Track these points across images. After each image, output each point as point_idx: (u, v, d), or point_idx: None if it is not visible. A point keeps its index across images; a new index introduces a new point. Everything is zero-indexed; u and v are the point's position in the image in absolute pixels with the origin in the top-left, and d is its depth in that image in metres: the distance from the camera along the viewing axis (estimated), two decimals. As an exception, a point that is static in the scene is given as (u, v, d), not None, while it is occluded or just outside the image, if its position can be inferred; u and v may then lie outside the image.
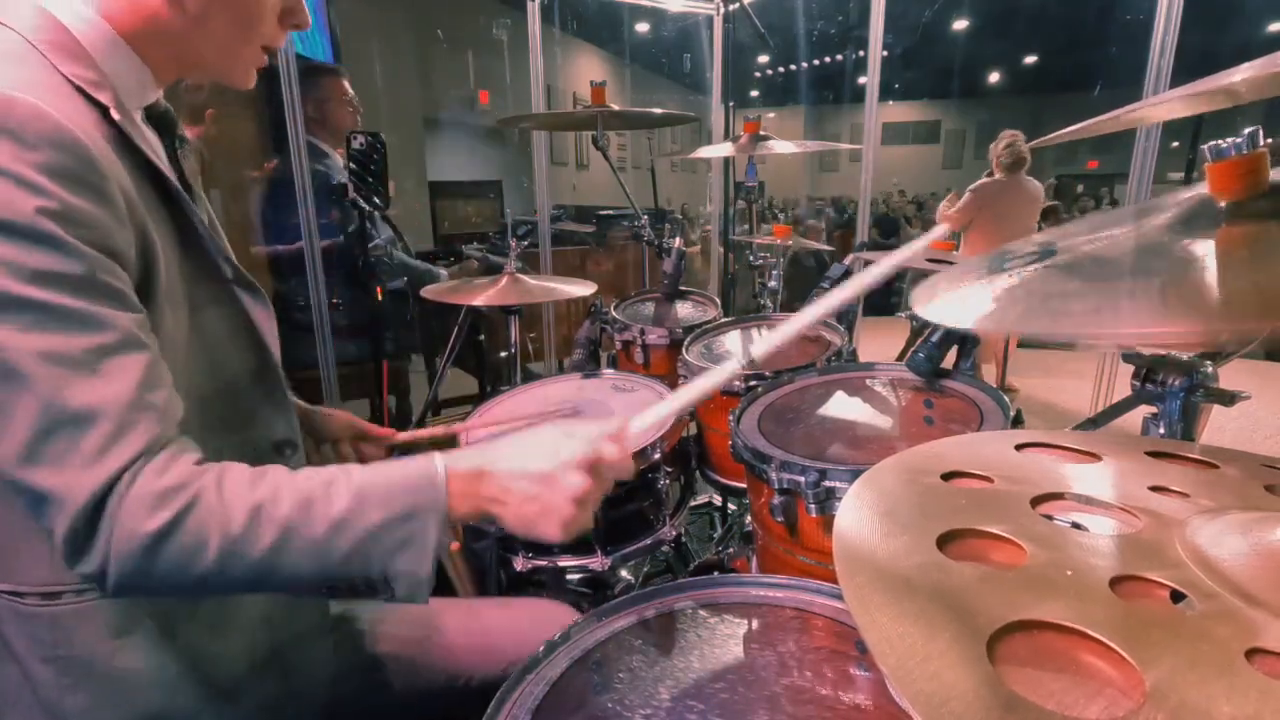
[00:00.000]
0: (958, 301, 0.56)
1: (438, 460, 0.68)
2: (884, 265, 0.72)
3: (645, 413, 0.75)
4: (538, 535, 0.68)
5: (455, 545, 1.17)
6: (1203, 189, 0.58)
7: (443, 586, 1.15)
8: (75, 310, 0.59)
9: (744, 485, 1.26)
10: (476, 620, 1.00)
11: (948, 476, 0.55)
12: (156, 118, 0.79)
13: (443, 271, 2.94)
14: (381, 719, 0.95)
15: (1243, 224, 0.52)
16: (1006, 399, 1.08)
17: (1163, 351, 0.79)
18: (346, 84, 2.60)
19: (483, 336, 2.88)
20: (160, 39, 0.72)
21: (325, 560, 0.62)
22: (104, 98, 0.67)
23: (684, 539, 1.81)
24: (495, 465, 0.68)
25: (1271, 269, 0.45)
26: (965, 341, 1.20)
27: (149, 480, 0.59)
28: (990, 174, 3.99)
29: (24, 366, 0.57)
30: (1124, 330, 0.47)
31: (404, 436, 1.20)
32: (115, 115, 0.67)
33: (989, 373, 3.62)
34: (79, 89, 0.65)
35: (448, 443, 1.21)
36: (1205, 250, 0.49)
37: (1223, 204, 0.54)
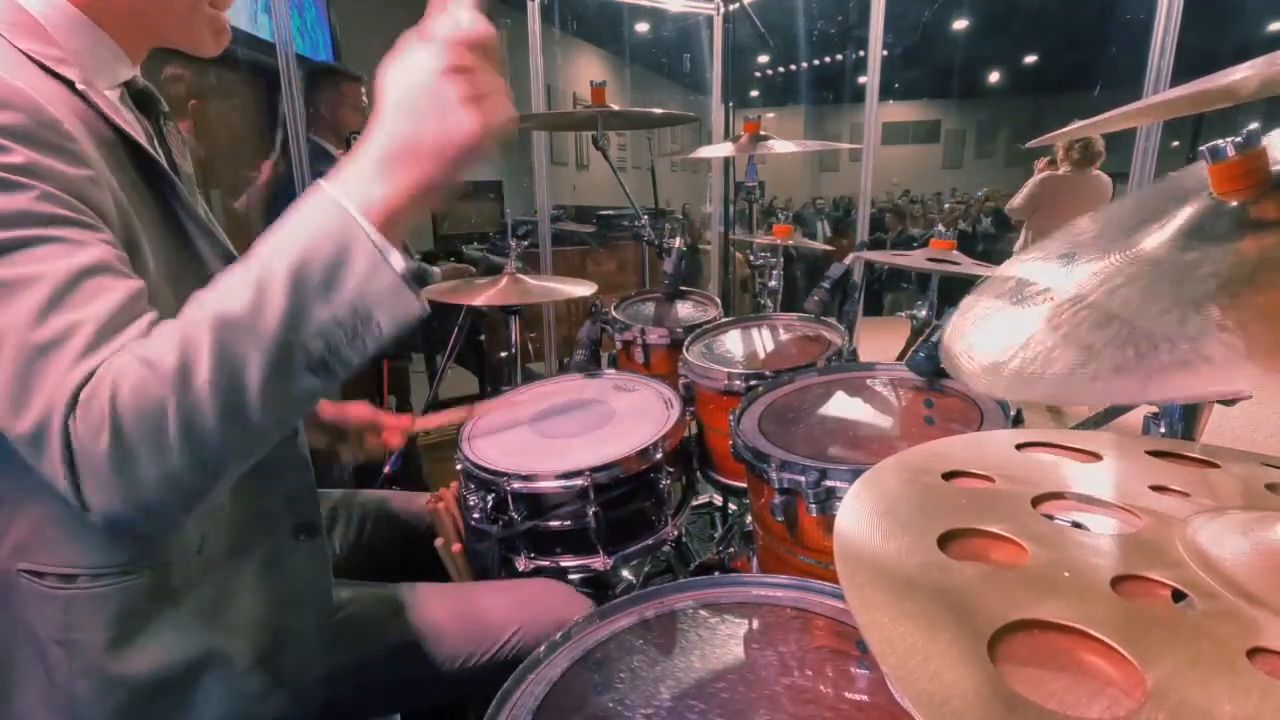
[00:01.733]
0: (1007, 371, 0.50)
1: (323, 182, 0.60)
2: None
3: None
4: (467, 143, 0.58)
5: (457, 546, 1.17)
6: (1197, 176, 0.56)
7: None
8: (52, 237, 0.57)
9: (744, 485, 1.26)
10: (475, 602, 1.01)
11: (948, 476, 0.55)
12: (137, 96, 0.80)
13: (436, 270, 2.94)
14: (382, 704, 0.95)
15: (1258, 234, 0.48)
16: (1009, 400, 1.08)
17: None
18: (364, 91, 2.63)
19: (483, 337, 2.88)
20: (119, 11, 0.72)
21: (271, 329, 0.56)
22: (69, 73, 0.67)
23: (684, 539, 1.81)
24: (373, 141, 0.60)
25: None
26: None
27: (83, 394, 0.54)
28: (1052, 162, 3.72)
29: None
30: (1178, 395, 0.43)
31: (422, 423, 1.21)
32: (80, 87, 0.66)
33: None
34: (40, 65, 0.65)
35: (448, 450, 1.23)
36: (1230, 277, 0.45)
37: (1233, 204, 0.52)
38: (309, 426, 1.09)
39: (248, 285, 0.56)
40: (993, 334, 0.54)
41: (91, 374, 0.54)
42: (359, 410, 1.13)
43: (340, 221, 0.57)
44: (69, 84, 0.66)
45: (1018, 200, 3.75)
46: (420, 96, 0.58)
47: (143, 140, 0.72)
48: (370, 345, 0.59)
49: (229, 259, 0.79)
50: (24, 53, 0.65)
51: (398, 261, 0.58)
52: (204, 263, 0.77)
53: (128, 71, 0.77)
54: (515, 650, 0.96)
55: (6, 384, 0.54)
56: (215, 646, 0.79)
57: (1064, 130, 0.77)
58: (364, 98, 2.63)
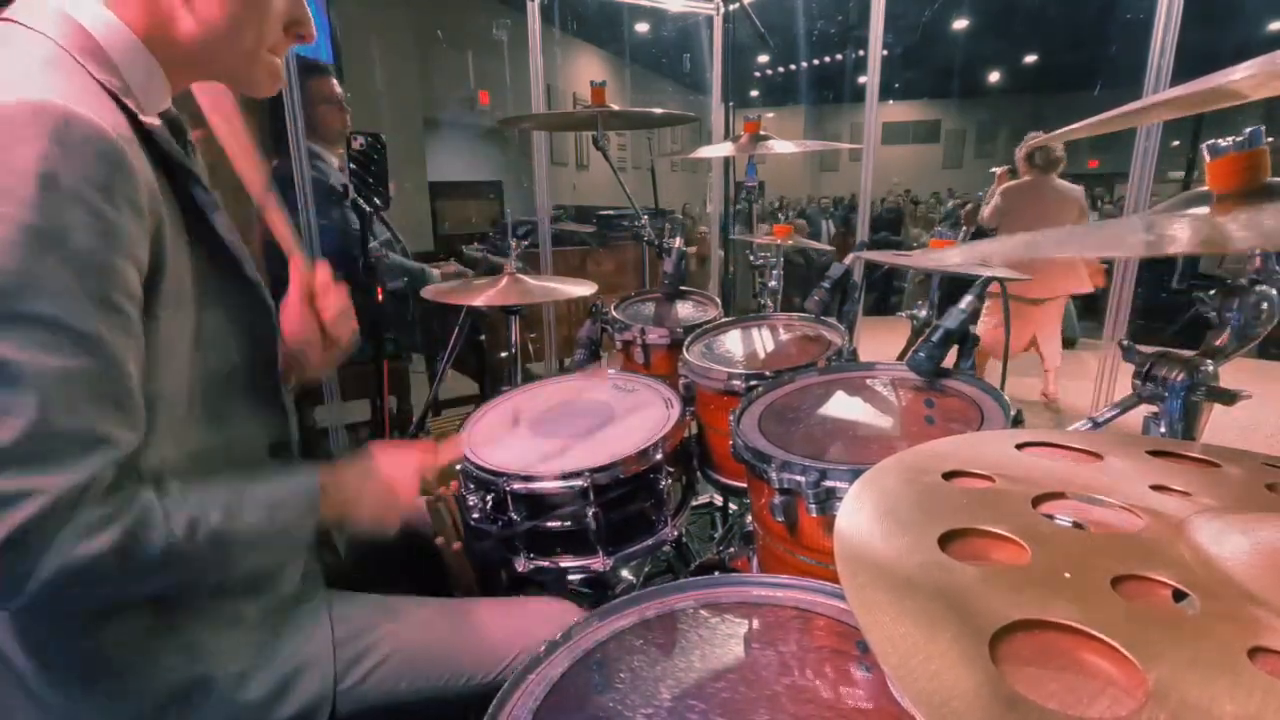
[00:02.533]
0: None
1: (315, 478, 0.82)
2: None
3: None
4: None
5: (457, 546, 1.17)
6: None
7: (445, 587, 1.15)
8: (80, 332, 0.61)
9: (744, 485, 1.26)
10: (478, 620, 1.00)
11: (949, 476, 0.55)
12: (168, 123, 0.80)
13: (436, 272, 2.94)
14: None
15: (1233, 202, 0.56)
16: (1009, 400, 1.08)
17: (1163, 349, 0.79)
18: (334, 83, 2.56)
19: (483, 337, 2.88)
20: (174, 42, 0.73)
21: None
22: (131, 103, 0.69)
23: (685, 539, 1.81)
24: (351, 498, 0.86)
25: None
26: (965, 341, 1.20)
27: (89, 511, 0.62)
28: (1012, 173, 3.85)
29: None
30: (1117, 248, 0.53)
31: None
32: (145, 119, 0.69)
33: (991, 372, 3.62)
34: (110, 94, 0.68)
35: (414, 433, 1.25)
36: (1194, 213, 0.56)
37: (1216, 194, 0.55)
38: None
39: (253, 527, 0.74)
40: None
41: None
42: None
43: (310, 515, 0.81)
44: (132, 114, 0.69)
45: (986, 213, 3.89)
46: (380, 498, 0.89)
47: (193, 166, 0.75)
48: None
49: (247, 259, 0.82)
50: (100, 83, 0.67)
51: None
52: (225, 259, 0.80)
53: (167, 101, 0.78)
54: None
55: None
56: (212, 645, 0.79)
57: (1064, 130, 0.77)
58: (337, 88, 2.56)
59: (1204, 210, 0.58)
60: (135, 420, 0.66)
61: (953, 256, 0.82)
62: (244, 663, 0.81)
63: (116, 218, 0.62)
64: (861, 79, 3.16)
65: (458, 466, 1.24)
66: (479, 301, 1.67)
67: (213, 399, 0.79)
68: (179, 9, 0.72)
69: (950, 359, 1.21)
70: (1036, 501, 0.50)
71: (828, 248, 2.95)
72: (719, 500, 2.11)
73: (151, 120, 0.71)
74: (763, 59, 15.67)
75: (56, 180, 0.59)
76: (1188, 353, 0.77)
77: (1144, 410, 0.80)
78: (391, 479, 0.90)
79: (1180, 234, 0.53)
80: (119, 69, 0.70)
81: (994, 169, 4.14)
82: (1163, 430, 0.77)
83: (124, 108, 0.68)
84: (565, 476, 1.14)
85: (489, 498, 1.19)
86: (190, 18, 0.72)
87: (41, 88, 0.61)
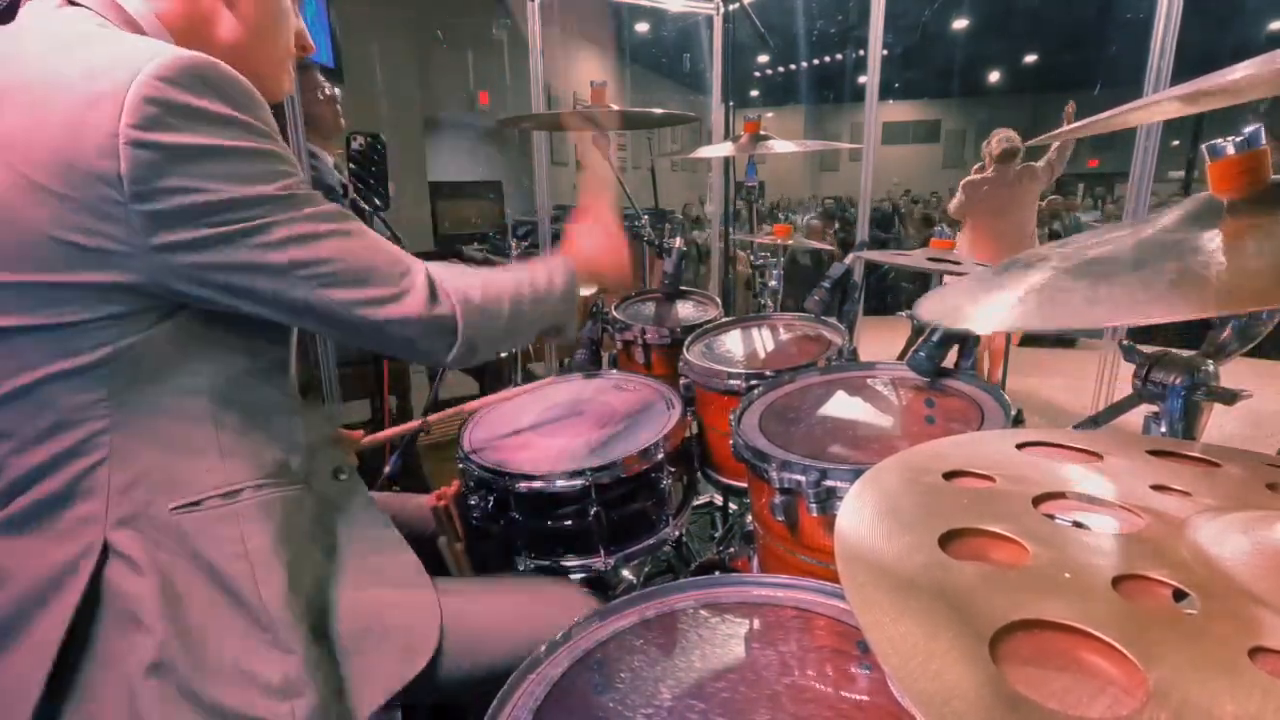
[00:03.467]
0: (975, 309, 0.59)
1: (566, 263, 1.03)
2: None
3: None
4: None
5: (459, 546, 1.18)
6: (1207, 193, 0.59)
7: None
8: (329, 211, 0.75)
9: (745, 485, 1.26)
10: (483, 602, 1.01)
11: (949, 476, 0.55)
12: None
13: None
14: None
15: (1245, 217, 0.54)
16: (1007, 398, 1.08)
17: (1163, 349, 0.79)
18: (319, 76, 2.50)
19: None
20: (210, 46, 0.75)
21: (542, 307, 0.95)
22: None
23: (685, 539, 1.81)
24: (576, 256, 1.06)
25: (1273, 253, 0.48)
26: (966, 340, 1.20)
27: (439, 277, 0.83)
28: (981, 168, 4.09)
29: (332, 233, 0.75)
30: (1130, 319, 0.50)
31: (369, 439, 1.26)
32: None
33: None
34: None
35: (449, 450, 1.27)
36: (1211, 241, 0.53)
37: (1225, 201, 0.54)
38: None
39: (540, 279, 0.96)
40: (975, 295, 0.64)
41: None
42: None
43: (570, 280, 1.02)
44: None
45: (952, 206, 4.26)
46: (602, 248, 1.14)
47: None
48: (562, 332, 1.03)
49: None
50: None
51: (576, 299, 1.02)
52: None
53: None
54: (522, 651, 0.96)
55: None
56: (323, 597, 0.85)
57: (1064, 130, 0.77)
58: (322, 81, 2.50)
59: (1216, 240, 0.54)
60: None
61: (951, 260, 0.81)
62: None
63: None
64: (861, 79, 3.16)
65: (459, 465, 1.24)
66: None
67: (271, 364, 0.87)
68: (221, 11, 0.76)
69: (951, 358, 1.21)
70: (1037, 501, 0.50)
71: (828, 247, 2.95)
72: (719, 500, 2.11)
73: None
74: (763, 59, 15.67)
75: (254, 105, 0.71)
76: (1188, 352, 0.77)
77: (1144, 410, 0.80)
78: (603, 242, 1.13)
79: (1196, 290, 0.49)
80: None
81: (974, 167, 4.32)
82: (1163, 430, 0.77)
83: None
84: (566, 476, 1.14)
85: (490, 498, 1.19)
86: (231, 20, 0.76)
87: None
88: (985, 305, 0.61)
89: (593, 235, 1.13)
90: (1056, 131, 0.87)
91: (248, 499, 0.78)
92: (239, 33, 0.78)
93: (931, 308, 0.68)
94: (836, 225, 8.72)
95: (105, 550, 0.72)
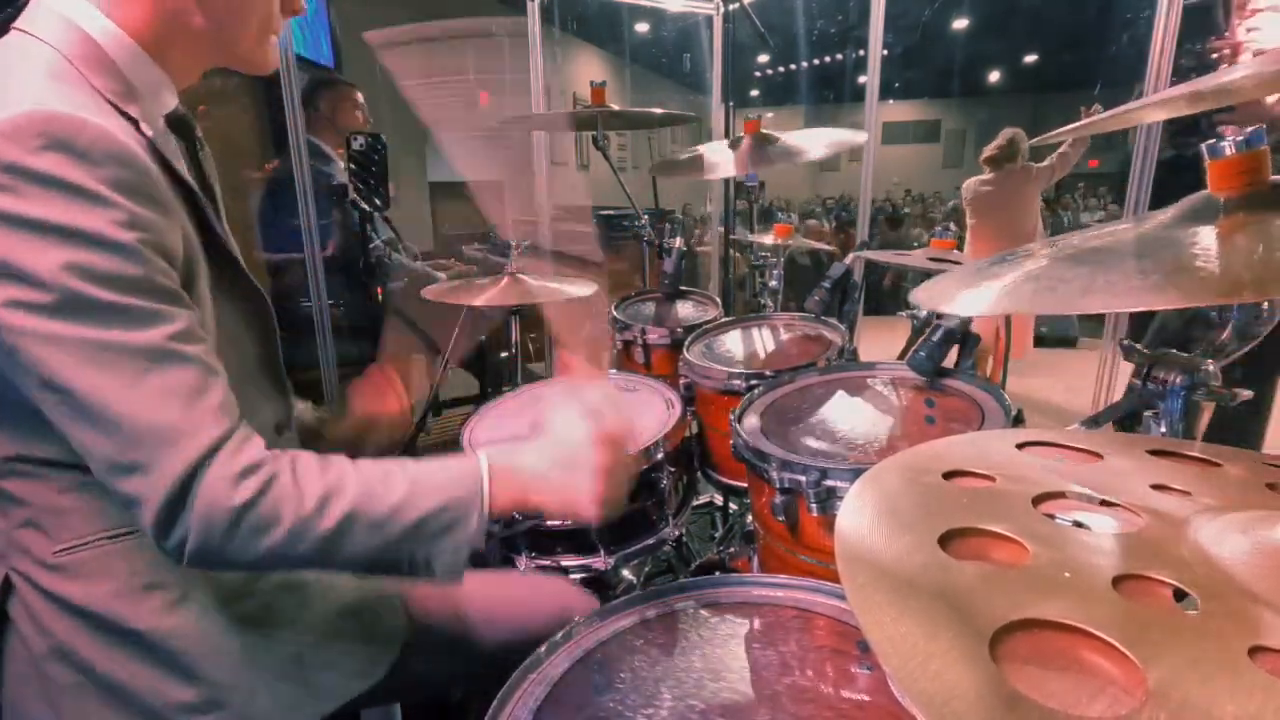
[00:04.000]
0: (968, 293, 0.60)
1: (482, 458, 0.75)
2: None
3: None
4: (579, 516, 0.76)
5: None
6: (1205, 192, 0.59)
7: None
8: (144, 309, 0.63)
9: (745, 485, 1.26)
10: (480, 596, 1.02)
11: (949, 475, 0.55)
12: (174, 123, 0.81)
13: (441, 275, 2.95)
14: (382, 694, 0.96)
15: (1242, 214, 0.55)
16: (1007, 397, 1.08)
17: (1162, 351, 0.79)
18: (359, 96, 2.70)
19: (484, 337, 2.88)
20: (181, 40, 0.74)
21: (381, 541, 0.69)
22: (133, 110, 0.69)
23: (685, 539, 1.81)
24: (528, 462, 0.76)
25: (1269, 249, 0.50)
26: (966, 340, 1.20)
27: (226, 460, 0.64)
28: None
29: (102, 362, 0.61)
30: (1127, 304, 0.50)
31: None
32: (145, 130, 0.70)
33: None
34: (112, 104, 0.68)
35: (414, 436, 1.25)
36: (1207, 236, 0.54)
37: (1223, 199, 0.55)
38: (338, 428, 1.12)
39: (388, 504, 0.69)
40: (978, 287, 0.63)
41: (218, 443, 0.65)
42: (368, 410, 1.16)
43: (471, 501, 0.72)
44: (134, 122, 0.69)
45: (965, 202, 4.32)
46: (576, 467, 0.76)
47: (184, 171, 0.75)
48: (408, 578, 0.74)
49: (246, 271, 0.84)
50: (100, 92, 0.67)
51: (477, 542, 0.73)
52: (227, 258, 0.81)
53: (172, 101, 0.79)
54: (519, 645, 0.96)
55: (121, 440, 0.62)
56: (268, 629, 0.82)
57: (1065, 129, 0.77)
58: (360, 99, 2.66)
59: (1212, 234, 0.56)
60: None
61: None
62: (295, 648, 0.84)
63: (137, 210, 0.64)
64: (861, 79, 3.16)
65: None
66: (479, 301, 1.67)
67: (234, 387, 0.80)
68: (190, 5, 0.72)
69: (951, 358, 1.21)
70: (1037, 501, 0.50)
71: (827, 247, 2.95)
72: (720, 500, 2.11)
73: (149, 130, 0.70)
74: (763, 59, 15.66)
75: (79, 185, 0.60)
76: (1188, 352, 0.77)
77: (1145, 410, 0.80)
78: (590, 451, 0.76)
79: (1190, 280, 0.51)
80: (124, 75, 0.70)
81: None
82: (1163, 430, 0.77)
83: (126, 116, 0.69)
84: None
85: (489, 498, 1.19)
86: (200, 12, 0.73)
87: (51, 98, 0.62)
88: (977, 290, 0.62)
89: (571, 442, 0.77)
90: (1057, 131, 0.87)
91: (134, 537, 0.75)
92: (210, 23, 0.74)
93: (925, 294, 0.69)
94: (834, 224, 8.72)
95: (8, 582, 0.75)
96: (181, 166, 0.75)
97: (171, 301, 0.66)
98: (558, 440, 0.77)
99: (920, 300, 0.68)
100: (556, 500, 0.76)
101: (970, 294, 0.62)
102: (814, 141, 1.85)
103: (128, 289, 0.62)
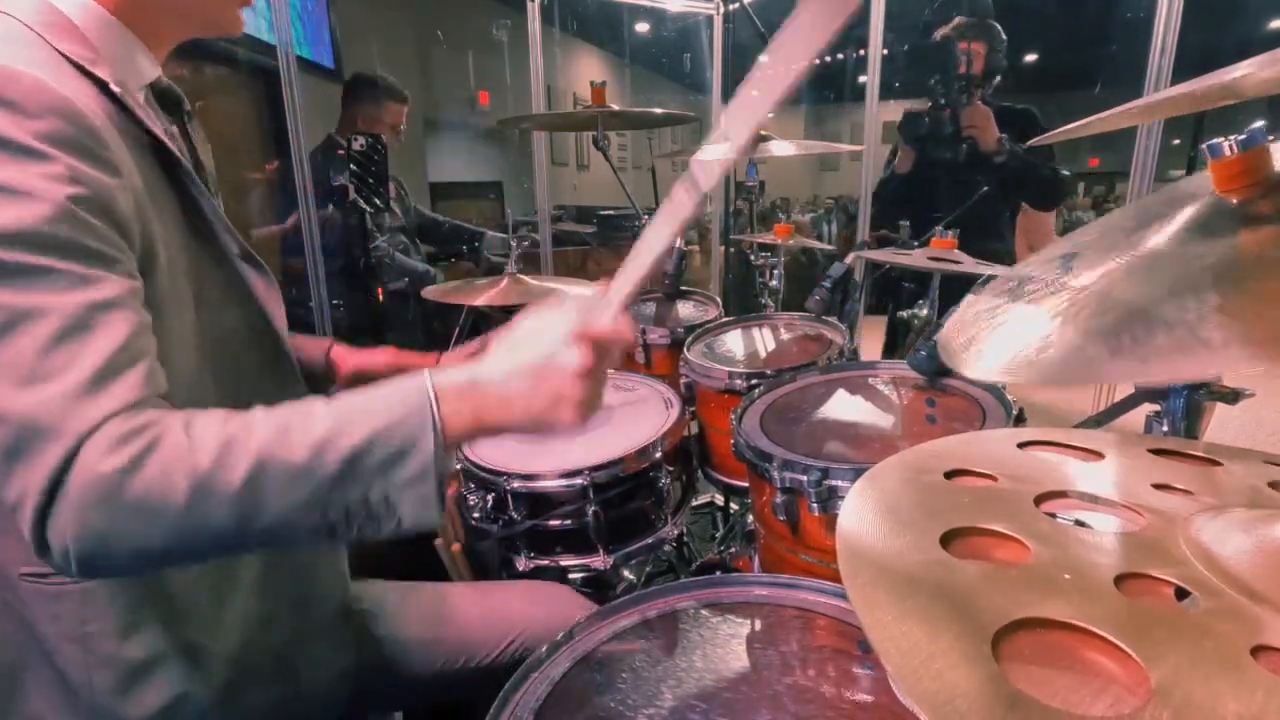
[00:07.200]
0: (1003, 356, 0.53)
1: (426, 374, 0.63)
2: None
3: (623, 271, 0.68)
4: (555, 428, 0.64)
5: (456, 546, 1.17)
6: (1197, 182, 0.58)
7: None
8: (65, 272, 0.56)
9: (746, 484, 1.26)
10: (478, 604, 1.02)
11: (951, 475, 0.55)
12: (161, 95, 0.80)
13: (439, 273, 2.95)
14: (382, 703, 0.96)
15: (1257, 227, 0.50)
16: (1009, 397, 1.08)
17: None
18: (405, 113, 2.76)
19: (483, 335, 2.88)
20: (150, 4, 0.73)
21: (312, 487, 0.56)
22: (101, 73, 0.67)
23: (686, 538, 1.81)
24: (485, 373, 0.63)
25: None
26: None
27: (111, 429, 0.54)
28: None
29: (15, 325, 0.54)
30: (1175, 374, 0.45)
31: (447, 358, 1.10)
32: (114, 89, 0.67)
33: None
34: (77, 66, 0.66)
35: None
36: (1230, 268, 0.47)
37: (1234, 202, 0.53)
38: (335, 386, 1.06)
39: (309, 441, 0.57)
40: (994, 327, 0.57)
41: (106, 416, 0.55)
42: (386, 358, 1.08)
43: (419, 422, 0.60)
44: (102, 85, 0.67)
45: None
46: (543, 375, 0.63)
47: (168, 139, 0.73)
48: (379, 531, 0.60)
49: (247, 257, 0.81)
50: (61, 53, 0.66)
51: (442, 469, 0.61)
52: (227, 260, 0.79)
53: (154, 72, 0.78)
54: (517, 653, 0.96)
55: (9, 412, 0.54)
56: (216, 646, 0.79)
57: (1064, 129, 0.77)
58: (404, 119, 2.71)
59: (1235, 259, 0.47)
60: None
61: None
62: (242, 664, 0.81)
63: (78, 166, 0.59)
64: (861, 78, 3.16)
65: (458, 466, 1.24)
66: (480, 302, 1.67)
67: (220, 372, 0.77)
68: None
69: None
70: (1039, 500, 0.50)
71: (829, 247, 2.95)
72: (720, 500, 2.11)
73: (120, 89, 0.68)
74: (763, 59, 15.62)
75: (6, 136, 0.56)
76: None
77: (1146, 409, 0.80)
78: (554, 361, 0.63)
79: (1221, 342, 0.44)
80: (91, 42, 0.69)
81: None
82: (1165, 429, 0.77)
83: (94, 79, 0.67)
84: (565, 475, 1.14)
85: (489, 497, 1.19)
86: None
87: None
88: (1001, 348, 0.55)
89: (530, 357, 0.64)
90: (1057, 131, 0.87)
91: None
92: None
93: (953, 336, 0.62)
94: (834, 226, 8.70)
95: None
96: (159, 130, 0.72)
97: (104, 266, 0.59)
98: (521, 344, 0.65)
99: (956, 364, 0.58)
100: (525, 413, 0.63)
101: (993, 354, 0.54)
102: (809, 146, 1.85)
103: (48, 249, 0.55)
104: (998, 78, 2.54)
